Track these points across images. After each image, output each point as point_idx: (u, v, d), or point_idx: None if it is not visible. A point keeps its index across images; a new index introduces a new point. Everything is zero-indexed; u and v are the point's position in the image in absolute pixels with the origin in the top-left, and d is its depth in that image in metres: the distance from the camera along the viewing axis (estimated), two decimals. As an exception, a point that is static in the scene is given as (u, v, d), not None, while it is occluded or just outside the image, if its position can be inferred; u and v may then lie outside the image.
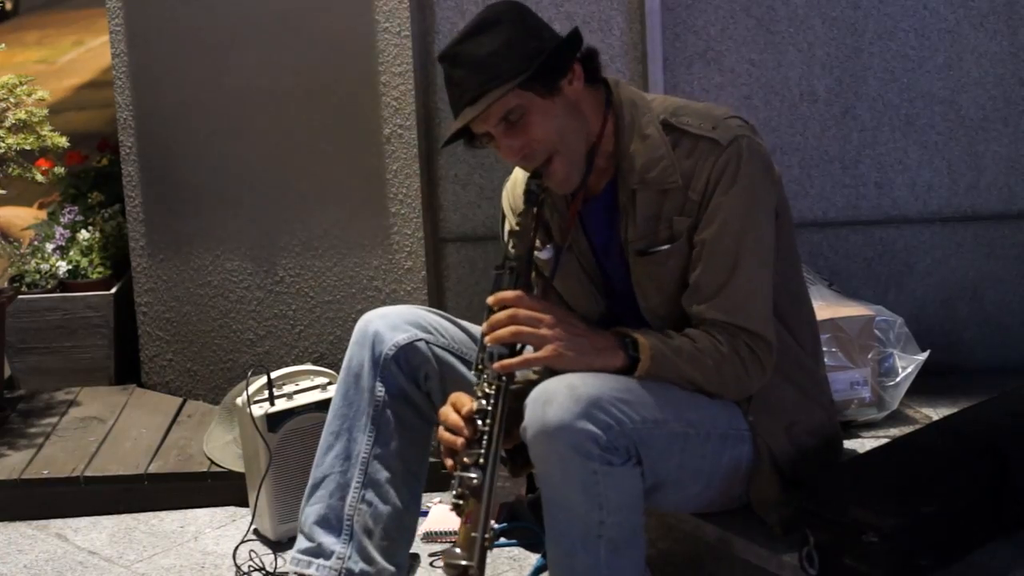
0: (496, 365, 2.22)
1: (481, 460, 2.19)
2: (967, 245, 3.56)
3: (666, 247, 2.33)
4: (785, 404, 2.40)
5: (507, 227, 2.56)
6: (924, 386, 3.16)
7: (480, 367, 2.27)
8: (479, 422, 2.22)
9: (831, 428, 2.53)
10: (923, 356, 3.13)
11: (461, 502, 2.18)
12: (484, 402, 2.23)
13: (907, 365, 3.13)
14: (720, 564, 2.58)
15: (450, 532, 3.10)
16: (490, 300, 2.30)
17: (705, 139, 2.31)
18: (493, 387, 2.23)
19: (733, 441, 2.35)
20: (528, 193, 2.34)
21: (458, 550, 2.14)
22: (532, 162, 2.32)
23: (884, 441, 2.86)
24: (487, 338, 2.26)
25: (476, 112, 2.25)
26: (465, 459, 2.20)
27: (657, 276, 2.36)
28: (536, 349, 2.24)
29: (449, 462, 2.25)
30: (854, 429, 3.09)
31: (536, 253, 2.41)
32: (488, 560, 2.99)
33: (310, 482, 2.59)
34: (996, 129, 3.51)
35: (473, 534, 2.15)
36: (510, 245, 2.36)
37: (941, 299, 3.57)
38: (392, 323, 2.53)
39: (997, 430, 2.46)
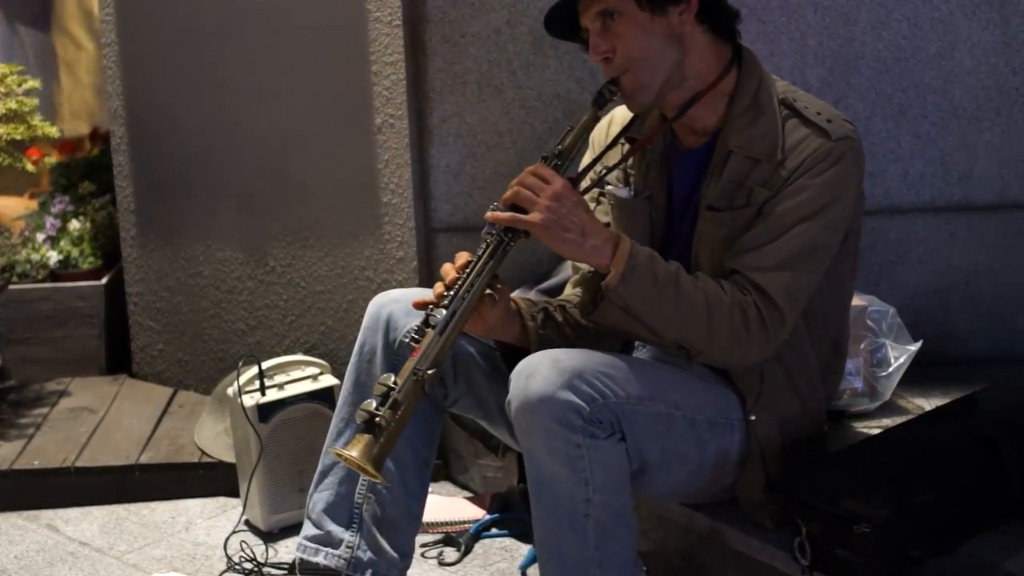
0: (488, 214, 2.26)
1: (448, 302, 2.22)
2: (960, 235, 3.55)
3: (736, 210, 2.33)
4: (786, 414, 2.40)
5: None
6: (917, 376, 3.15)
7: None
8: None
9: (820, 439, 2.54)
10: (915, 346, 3.12)
11: (419, 338, 2.20)
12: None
13: (899, 355, 3.12)
14: (712, 555, 2.58)
15: (444, 523, 3.09)
16: None
17: (817, 127, 2.32)
18: (484, 242, 2.27)
19: (721, 429, 2.34)
20: (598, 94, 2.35)
21: (392, 376, 2.17)
22: (610, 68, 2.34)
23: (877, 431, 2.86)
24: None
25: None
26: (442, 303, 2.23)
27: (716, 236, 2.35)
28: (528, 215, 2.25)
29: (419, 301, 2.28)
30: (846, 419, 3.08)
31: (611, 188, 2.47)
32: (479, 550, 3.02)
33: (319, 468, 2.59)
34: (989, 119, 3.50)
35: (413, 365, 2.17)
36: (563, 138, 2.35)
37: (934, 289, 3.56)
38: (406, 308, 2.50)
39: (990, 420, 2.47)
